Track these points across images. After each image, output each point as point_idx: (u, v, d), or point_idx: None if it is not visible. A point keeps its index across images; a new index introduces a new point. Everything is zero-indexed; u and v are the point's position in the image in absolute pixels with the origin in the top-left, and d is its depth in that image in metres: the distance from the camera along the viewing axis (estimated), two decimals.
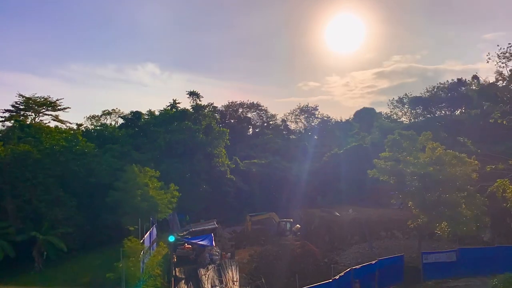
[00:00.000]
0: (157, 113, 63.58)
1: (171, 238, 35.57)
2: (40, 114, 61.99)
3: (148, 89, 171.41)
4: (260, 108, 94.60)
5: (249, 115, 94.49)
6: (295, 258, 37.76)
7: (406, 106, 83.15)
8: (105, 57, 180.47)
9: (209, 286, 31.00)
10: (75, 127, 62.17)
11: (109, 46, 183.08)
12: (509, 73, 26.82)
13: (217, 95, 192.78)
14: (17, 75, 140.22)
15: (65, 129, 57.48)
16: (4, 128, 56.08)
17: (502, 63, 26.06)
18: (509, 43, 26.05)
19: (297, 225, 47.82)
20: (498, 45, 26.58)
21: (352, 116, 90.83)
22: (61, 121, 62.66)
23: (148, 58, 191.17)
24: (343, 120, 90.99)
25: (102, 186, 42.19)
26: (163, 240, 37.30)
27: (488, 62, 26.54)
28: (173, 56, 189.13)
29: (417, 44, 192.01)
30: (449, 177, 32.78)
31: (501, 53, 25.84)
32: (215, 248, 37.78)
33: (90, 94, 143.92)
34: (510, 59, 26.06)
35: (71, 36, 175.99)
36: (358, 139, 66.52)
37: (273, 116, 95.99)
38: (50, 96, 62.21)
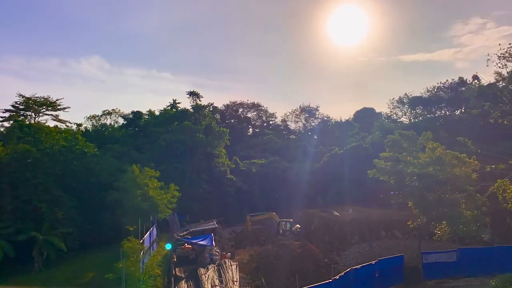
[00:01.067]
0: (157, 113, 63.71)
1: (168, 246, 35.43)
2: (40, 114, 62.16)
3: (102, 84, 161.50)
4: (260, 108, 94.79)
5: (249, 115, 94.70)
6: (295, 258, 37.77)
7: (406, 106, 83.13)
8: (46, 50, 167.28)
9: (209, 286, 30.96)
10: (74, 127, 62.40)
11: (49, 39, 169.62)
12: (509, 74, 26.67)
13: (174, 91, 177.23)
14: None
15: (65, 129, 57.58)
16: (4, 128, 56.21)
17: (503, 64, 25.86)
18: (510, 44, 25.95)
19: (297, 225, 47.77)
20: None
21: (352, 116, 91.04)
22: (61, 121, 62.94)
23: (94, 51, 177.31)
24: (343, 120, 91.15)
25: (102, 186, 42.22)
26: (163, 241, 37.26)
27: (488, 65, 26.31)
28: (121, 49, 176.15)
29: None
30: (449, 177, 32.78)
31: (501, 54, 25.65)
32: (215, 248, 37.74)
33: (35, 89, 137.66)
34: (510, 60, 25.84)
35: (4, 27, 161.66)
36: (358, 139, 66.47)
37: (272, 115, 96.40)
38: (50, 96, 62.57)
